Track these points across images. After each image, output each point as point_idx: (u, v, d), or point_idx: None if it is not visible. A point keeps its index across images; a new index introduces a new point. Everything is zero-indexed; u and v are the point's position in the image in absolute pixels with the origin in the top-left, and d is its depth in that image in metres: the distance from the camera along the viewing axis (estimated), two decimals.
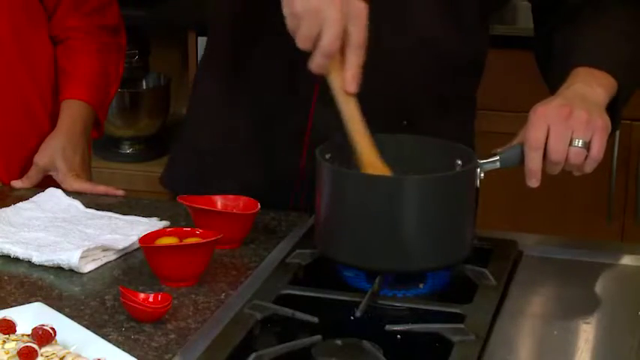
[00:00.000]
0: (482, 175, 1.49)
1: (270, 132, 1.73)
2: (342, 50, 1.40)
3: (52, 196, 1.76)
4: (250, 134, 1.75)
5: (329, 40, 1.38)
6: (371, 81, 1.44)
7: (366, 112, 1.44)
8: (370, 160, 1.45)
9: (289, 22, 1.40)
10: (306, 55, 1.41)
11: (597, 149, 1.49)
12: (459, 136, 1.62)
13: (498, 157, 1.51)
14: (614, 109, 1.59)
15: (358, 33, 1.40)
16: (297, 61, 1.43)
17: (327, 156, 1.46)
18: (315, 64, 1.40)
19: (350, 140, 1.45)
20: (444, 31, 1.68)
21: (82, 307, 1.39)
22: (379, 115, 1.52)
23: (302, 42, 1.39)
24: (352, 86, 1.41)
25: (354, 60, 1.40)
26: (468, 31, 1.70)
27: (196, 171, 1.83)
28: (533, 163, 1.48)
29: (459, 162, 1.50)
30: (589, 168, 1.51)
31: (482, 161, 1.49)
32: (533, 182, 1.48)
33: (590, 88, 1.55)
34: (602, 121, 1.50)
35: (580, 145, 1.48)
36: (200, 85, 1.86)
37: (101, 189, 1.85)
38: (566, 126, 1.48)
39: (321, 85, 1.47)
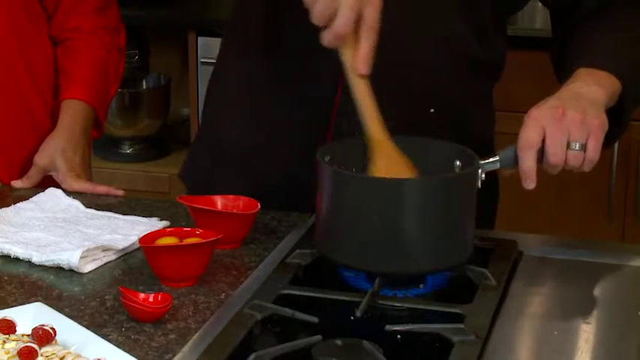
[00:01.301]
0: (483, 175, 1.48)
1: (290, 134, 1.73)
2: (356, 28, 1.42)
3: (52, 196, 1.76)
4: (271, 136, 1.75)
5: (343, 20, 1.40)
6: (394, 74, 1.44)
7: (391, 101, 1.45)
8: (379, 139, 1.46)
9: None
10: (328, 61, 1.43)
11: (593, 150, 1.49)
12: (480, 130, 1.63)
13: (498, 158, 1.51)
14: (621, 109, 1.59)
15: (372, 15, 1.41)
16: (320, 65, 1.44)
17: (327, 158, 1.46)
18: (327, 40, 1.43)
19: (360, 120, 1.46)
20: (461, 30, 1.68)
21: (82, 307, 1.39)
22: (405, 105, 1.53)
23: (317, 19, 1.42)
24: (363, 67, 1.43)
25: (367, 41, 1.42)
26: (483, 32, 1.70)
27: (215, 169, 1.82)
28: (524, 163, 1.48)
29: (458, 163, 1.50)
30: (587, 168, 1.51)
31: (482, 162, 1.49)
32: (529, 183, 1.48)
33: (587, 87, 1.55)
34: (598, 121, 1.50)
35: (577, 148, 1.48)
36: (220, 83, 1.85)
37: (101, 189, 1.85)
38: (562, 128, 1.48)
39: (343, 88, 1.47)
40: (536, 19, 3.13)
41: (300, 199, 1.69)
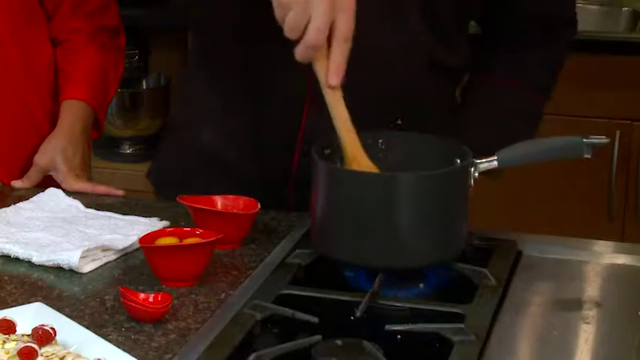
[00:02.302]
0: (476, 174, 1.49)
1: (263, 134, 1.73)
2: (329, 39, 1.40)
3: (52, 196, 1.76)
4: (244, 135, 1.75)
5: (315, 32, 1.37)
6: (360, 79, 1.44)
7: (357, 110, 1.44)
8: (354, 154, 1.45)
9: (277, 11, 1.40)
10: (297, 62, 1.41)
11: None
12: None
13: (496, 157, 1.51)
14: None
15: (345, 26, 1.39)
16: (290, 66, 1.43)
17: (322, 154, 1.46)
18: (300, 53, 1.40)
19: (336, 133, 1.45)
20: (429, 36, 1.68)
21: (82, 307, 1.39)
22: (371, 114, 1.52)
23: (289, 31, 1.39)
24: (335, 79, 1.41)
25: (339, 53, 1.40)
26: (449, 38, 1.71)
27: (187, 169, 1.83)
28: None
29: (458, 161, 1.50)
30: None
31: (478, 161, 1.49)
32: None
33: None
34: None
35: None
36: (195, 83, 1.85)
37: (101, 189, 1.85)
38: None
39: (313, 88, 1.47)
40: None
41: (274, 200, 1.69)
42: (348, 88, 1.42)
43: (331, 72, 1.41)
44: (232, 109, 1.76)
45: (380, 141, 1.52)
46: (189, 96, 1.87)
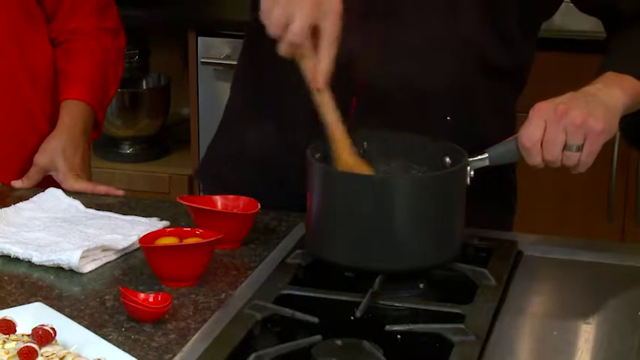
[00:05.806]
0: (472, 172, 1.49)
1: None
2: (316, 41, 1.41)
3: (52, 196, 1.76)
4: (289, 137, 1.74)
5: (297, 29, 1.39)
6: (408, 73, 1.44)
7: (409, 106, 1.48)
8: (342, 155, 1.46)
9: (263, 7, 1.41)
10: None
11: (587, 154, 1.50)
12: (496, 136, 1.59)
13: (487, 155, 1.52)
14: None
15: (331, 29, 1.41)
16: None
17: (318, 155, 1.47)
18: (283, 50, 1.42)
19: (325, 132, 1.46)
20: (485, 37, 1.65)
21: (82, 307, 1.39)
22: (422, 110, 1.52)
23: (272, 29, 1.41)
24: (320, 82, 1.43)
25: (325, 56, 1.41)
26: (509, 39, 1.67)
27: (233, 168, 1.82)
28: (531, 160, 1.50)
29: (448, 160, 1.50)
30: (581, 169, 1.51)
31: (471, 159, 1.49)
32: (552, 164, 1.50)
33: (606, 89, 1.54)
34: (600, 125, 1.49)
35: (574, 149, 1.49)
36: (240, 84, 1.86)
37: (101, 189, 1.85)
38: (560, 127, 1.48)
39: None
40: (554, 20, 3.13)
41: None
42: (396, 80, 1.43)
43: (318, 74, 1.42)
44: (272, 113, 1.75)
45: (365, 143, 1.52)
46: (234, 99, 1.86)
